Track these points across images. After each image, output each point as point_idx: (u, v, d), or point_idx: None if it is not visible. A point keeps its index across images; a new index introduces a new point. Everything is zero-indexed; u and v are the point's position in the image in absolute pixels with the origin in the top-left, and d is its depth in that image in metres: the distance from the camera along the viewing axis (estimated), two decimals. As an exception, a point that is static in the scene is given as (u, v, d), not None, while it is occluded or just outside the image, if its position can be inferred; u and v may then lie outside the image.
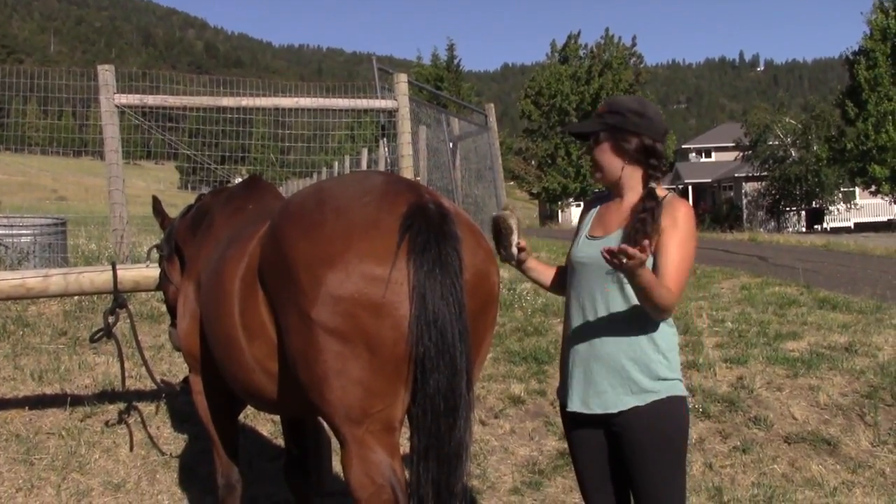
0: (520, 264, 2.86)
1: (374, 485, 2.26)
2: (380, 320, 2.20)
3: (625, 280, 2.55)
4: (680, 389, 2.62)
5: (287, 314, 2.36)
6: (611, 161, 2.66)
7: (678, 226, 2.54)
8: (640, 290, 2.42)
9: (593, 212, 2.80)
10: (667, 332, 2.62)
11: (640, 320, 2.57)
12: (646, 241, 2.33)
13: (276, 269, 2.42)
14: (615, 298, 2.59)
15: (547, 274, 2.97)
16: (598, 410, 2.61)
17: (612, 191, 2.74)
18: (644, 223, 2.54)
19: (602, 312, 2.61)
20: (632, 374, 2.56)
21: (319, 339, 2.24)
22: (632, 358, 2.57)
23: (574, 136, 2.79)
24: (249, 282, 2.60)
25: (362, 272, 2.22)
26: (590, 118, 2.75)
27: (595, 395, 2.61)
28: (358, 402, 2.24)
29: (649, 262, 2.56)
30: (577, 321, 2.69)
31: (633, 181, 2.67)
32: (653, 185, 2.65)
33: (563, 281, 2.87)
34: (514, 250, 2.77)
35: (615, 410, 2.58)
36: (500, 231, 2.76)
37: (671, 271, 2.51)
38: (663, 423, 2.56)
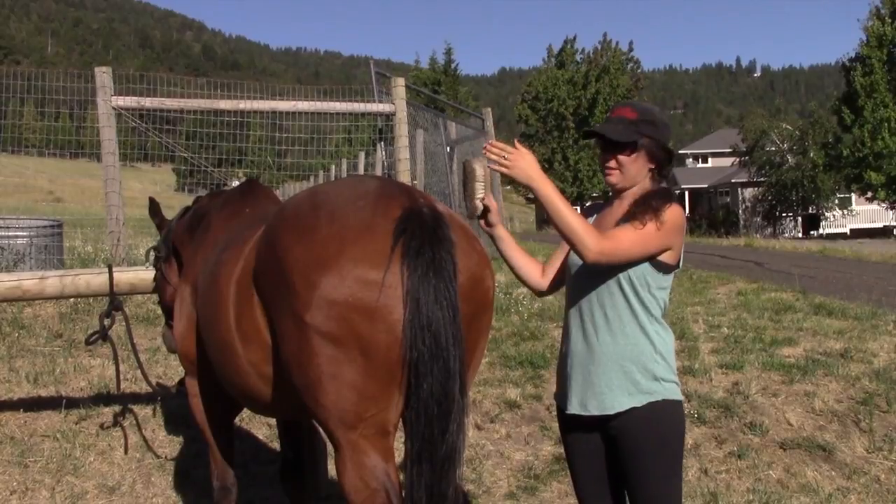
0: (489, 227, 2.74)
1: (368, 489, 2.26)
2: (374, 324, 2.21)
3: (624, 283, 2.56)
4: (676, 393, 2.64)
5: (281, 318, 2.36)
6: (640, 170, 2.65)
7: (661, 219, 2.54)
8: (545, 205, 2.48)
9: (590, 220, 2.79)
10: (663, 335, 2.64)
11: (638, 323, 2.59)
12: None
13: (270, 273, 2.42)
14: (614, 301, 2.61)
15: (525, 262, 2.88)
16: (596, 412, 2.62)
17: (617, 194, 2.72)
18: (646, 202, 2.56)
19: (600, 315, 2.62)
20: (630, 375, 2.57)
21: (313, 343, 2.24)
22: (630, 359, 2.58)
23: (590, 137, 2.69)
24: (245, 286, 2.61)
25: (356, 276, 2.22)
26: (617, 122, 2.63)
27: (593, 396, 2.62)
28: (352, 406, 2.24)
29: (645, 266, 2.58)
30: (575, 324, 2.70)
31: (643, 184, 2.68)
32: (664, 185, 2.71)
33: (559, 283, 2.86)
34: (478, 203, 2.63)
35: (612, 412, 2.59)
36: (465, 176, 2.65)
37: (617, 230, 2.53)
38: (660, 426, 2.57)
